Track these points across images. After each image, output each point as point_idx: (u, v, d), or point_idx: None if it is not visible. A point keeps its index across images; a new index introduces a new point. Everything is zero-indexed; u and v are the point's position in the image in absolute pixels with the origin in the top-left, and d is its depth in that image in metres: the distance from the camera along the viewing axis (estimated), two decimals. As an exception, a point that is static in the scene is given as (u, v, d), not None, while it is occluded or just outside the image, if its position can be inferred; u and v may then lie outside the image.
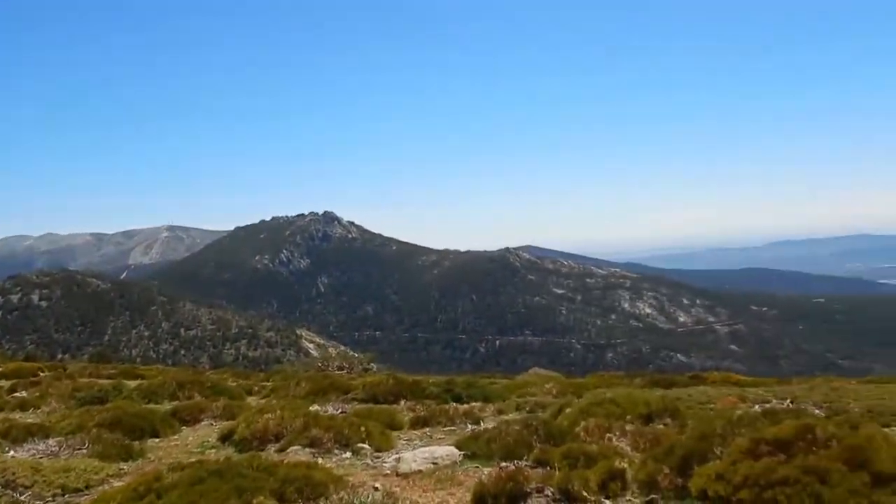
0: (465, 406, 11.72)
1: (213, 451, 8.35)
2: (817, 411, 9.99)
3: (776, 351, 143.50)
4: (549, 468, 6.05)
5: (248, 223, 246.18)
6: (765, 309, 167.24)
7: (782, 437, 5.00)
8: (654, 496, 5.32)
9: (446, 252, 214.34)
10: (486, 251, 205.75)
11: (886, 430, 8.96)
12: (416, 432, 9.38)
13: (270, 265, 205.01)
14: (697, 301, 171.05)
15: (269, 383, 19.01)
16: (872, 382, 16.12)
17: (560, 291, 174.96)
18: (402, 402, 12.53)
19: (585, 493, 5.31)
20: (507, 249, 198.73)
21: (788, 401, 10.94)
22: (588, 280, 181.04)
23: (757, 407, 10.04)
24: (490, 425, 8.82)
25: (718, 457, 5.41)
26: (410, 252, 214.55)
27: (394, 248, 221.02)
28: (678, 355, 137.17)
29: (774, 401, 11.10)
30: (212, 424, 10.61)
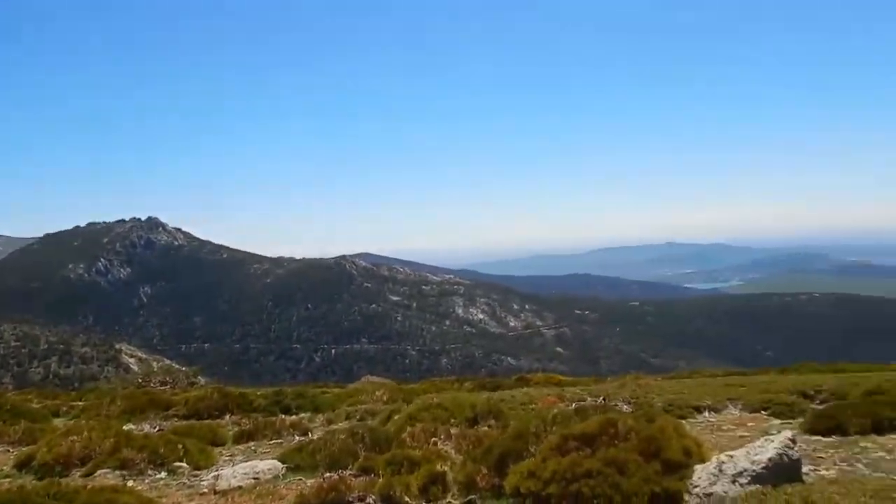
0: (294, 417, 11.50)
1: (8, 480, 7.57)
2: (625, 407, 10.78)
3: (597, 352, 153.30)
4: (372, 475, 6.07)
5: (61, 229, 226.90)
6: (587, 312, 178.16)
7: (588, 433, 5.35)
8: (472, 496, 5.49)
9: (280, 260, 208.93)
10: (321, 259, 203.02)
11: (683, 421, 9.85)
12: (240, 447, 9.06)
13: (86, 275, 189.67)
14: (526, 306, 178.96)
15: (80, 403, 17.60)
16: (674, 378, 17.69)
17: (396, 298, 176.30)
18: (228, 417, 12.08)
19: (407, 498, 5.38)
20: (342, 257, 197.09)
21: (601, 398, 11.72)
22: (424, 287, 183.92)
23: (573, 405, 10.66)
24: (318, 435, 8.71)
25: (532, 454, 5.69)
26: (242, 260, 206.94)
27: (224, 255, 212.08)
28: (508, 358, 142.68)
29: (589, 399, 11.84)
30: (8, 451, 9.63)
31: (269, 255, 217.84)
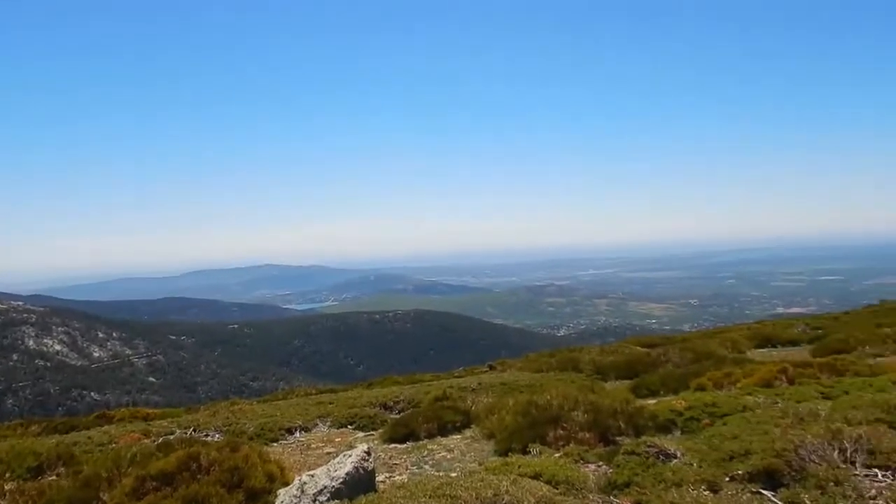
0: None
1: None
2: (217, 436, 10.45)
3: (194, 378, 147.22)
4: None
5: None
6: (183, 337, 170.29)
7: (167, 470, 5.00)
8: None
9: None
10: None
11: (275, 443, 9.90)
12: None
13: None
14: (114, 334, 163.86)
15: None
16: (270, 400, 17.81)
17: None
18: None
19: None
20: None
21: (192, 429, 11.18)
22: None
23: (159, 440, 9.97)
24: None
25: (105, 502, 5.12)
26: None
27: None
28: (92, 393, 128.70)
29: (178, 431, 11.20)
30: None
31: None
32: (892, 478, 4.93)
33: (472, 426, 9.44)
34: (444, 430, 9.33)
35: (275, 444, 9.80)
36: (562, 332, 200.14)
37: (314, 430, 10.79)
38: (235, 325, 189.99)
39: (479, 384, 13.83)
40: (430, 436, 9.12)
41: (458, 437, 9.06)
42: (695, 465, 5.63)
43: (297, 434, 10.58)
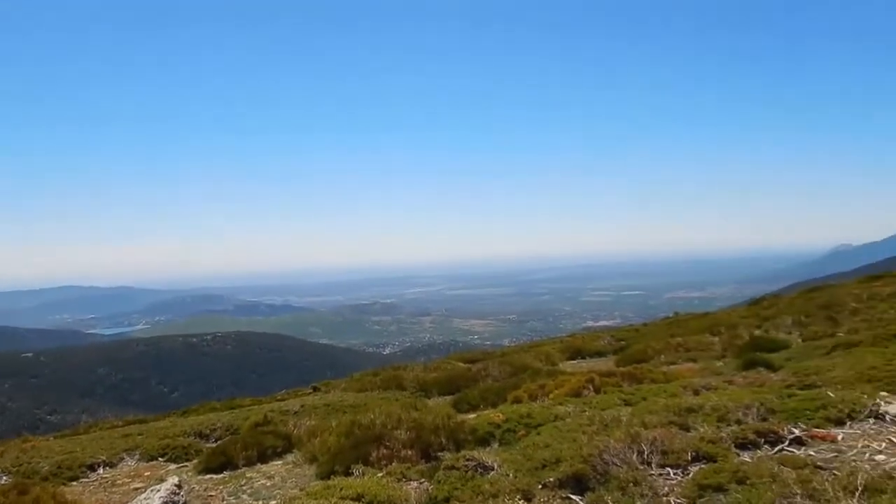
0: None
1: None
2: (4, 478, 9.39)
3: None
4: None
5: None
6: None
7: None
8: None
9: None
10: None
11: (74, 482, 9.05)
12: None
13: None
14: None
15: None
16: (70, 435, 16.27)
17: None
18: None
19: None
20: None
21: (-28, 473, 9.95)
22: None
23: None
24: None
25: None
26: None
27: None
28: None
29: (-44, 476, 9.93)
30: None
31: None
32: (682, 475, 5.40)
33: (295, 450, 9.20)
34: (264, 457, 9.01)
35: (74, 483, 8.96)
36: (387, 351, 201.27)
37: (120, 465, 9.99)
38: (30, 354, 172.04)
39: (303, 407, 13.54)
40: (250, 463, 8.77)
41: (280, 462, 8.80)
42: (511, 475, 5.86)
43: (101, 470, 9.74)
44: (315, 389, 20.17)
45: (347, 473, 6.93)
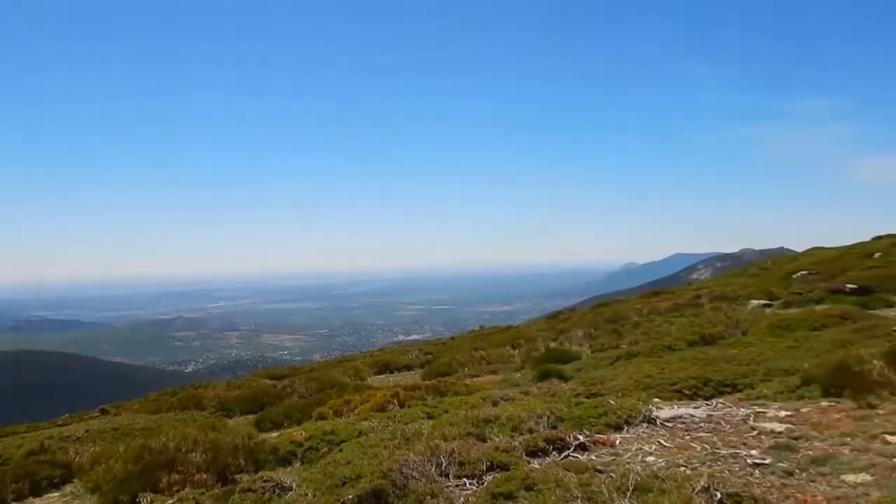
0: None
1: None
2: None
3: None
4: None
5: None
6: None
7: None
8: None
9: None
10: None
11: None
12: None
13: None
14: None
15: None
16: None
17: None
18: None
19: None
20: None
21: None
22: None
23: None
24: None
25: None
26: None
27: None
28: None
29: None
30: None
31: None
32: (477, 484, 5.59)
33: (75, 480, 8.39)
34: (38, 489, 8.13)
35: None
36: (190, 369, 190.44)
37: None
38: None
39: (87, 432, 12.42)
40: (20, 497, 7.88)
41: (57, 494, 7.99)
42: (309, 494, 5.74)
43: None
44: (103, 412, 18.62)
45: (134, 503, 6.44)
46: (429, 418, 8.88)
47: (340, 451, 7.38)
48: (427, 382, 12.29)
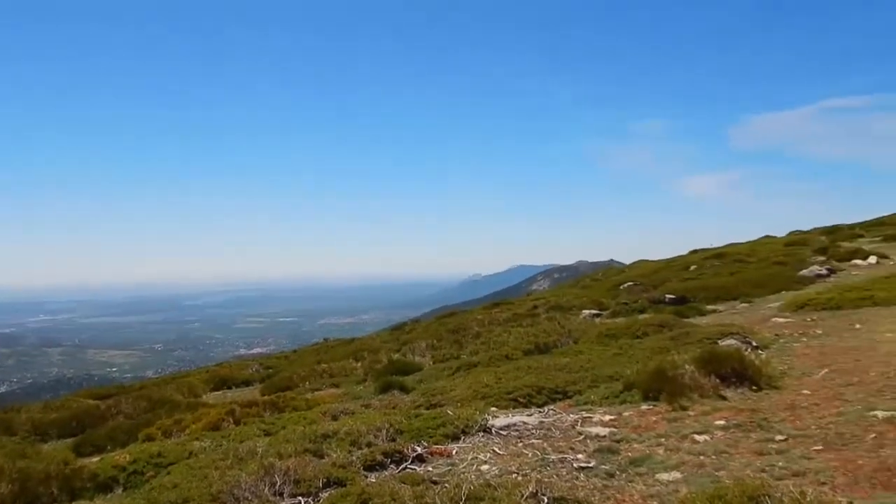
0: None
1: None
2: None
3: None
4: None
5: None
6: None
7: None
8: None
9: None
10: None
11: None
12: None
13: None
14: None
15: None
16: None
17: None
18: None
19: None
20: None
21: None
22: None
23: None
24: None
25: None
26: None
27: None
28: None
29: None
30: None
31: None
32: (312, 502, 5.47)
33: None
34: None
35: None
36: (3, 389, 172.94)
37: None
38: None
39: None
40: None
41: None
42: (129, 523, 5.37)
43: None
44: None
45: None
46: (266, 435, 8.60)
47: (168, 474, 6.98)
48: (265, 398, 11.91)
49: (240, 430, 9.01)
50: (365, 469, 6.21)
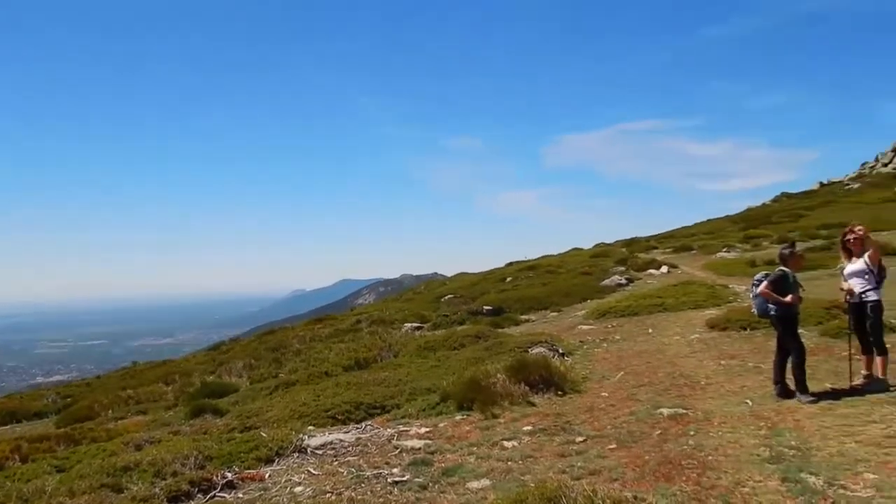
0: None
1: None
2: None
3: None
4: None
5: None
6: None
7: None
8: None
9: None
10: None
11: None
12: None
13: None
14: None
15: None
16: None
17: None
18: None
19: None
20: None
21: None
22: None
23: None
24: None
25: None
26: None
27: None
28: None
29: None
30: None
31: None
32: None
33: None
34: None
35: None
36: None
37: None
38: None
39: None
40: None
41: None
42: None
43: None
44: None
45: None
46: (58, 472, 7.84)
47: (-68, 526, 6.15)
48: (59, 431, 10.87)
49: (27, 468, 8.13)
50: (169, 501, 5.85)
